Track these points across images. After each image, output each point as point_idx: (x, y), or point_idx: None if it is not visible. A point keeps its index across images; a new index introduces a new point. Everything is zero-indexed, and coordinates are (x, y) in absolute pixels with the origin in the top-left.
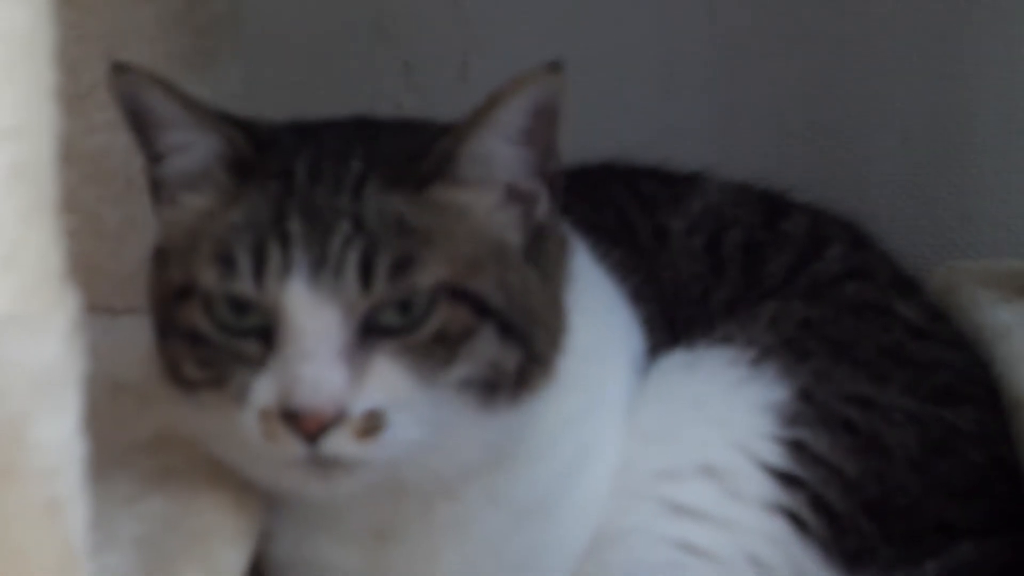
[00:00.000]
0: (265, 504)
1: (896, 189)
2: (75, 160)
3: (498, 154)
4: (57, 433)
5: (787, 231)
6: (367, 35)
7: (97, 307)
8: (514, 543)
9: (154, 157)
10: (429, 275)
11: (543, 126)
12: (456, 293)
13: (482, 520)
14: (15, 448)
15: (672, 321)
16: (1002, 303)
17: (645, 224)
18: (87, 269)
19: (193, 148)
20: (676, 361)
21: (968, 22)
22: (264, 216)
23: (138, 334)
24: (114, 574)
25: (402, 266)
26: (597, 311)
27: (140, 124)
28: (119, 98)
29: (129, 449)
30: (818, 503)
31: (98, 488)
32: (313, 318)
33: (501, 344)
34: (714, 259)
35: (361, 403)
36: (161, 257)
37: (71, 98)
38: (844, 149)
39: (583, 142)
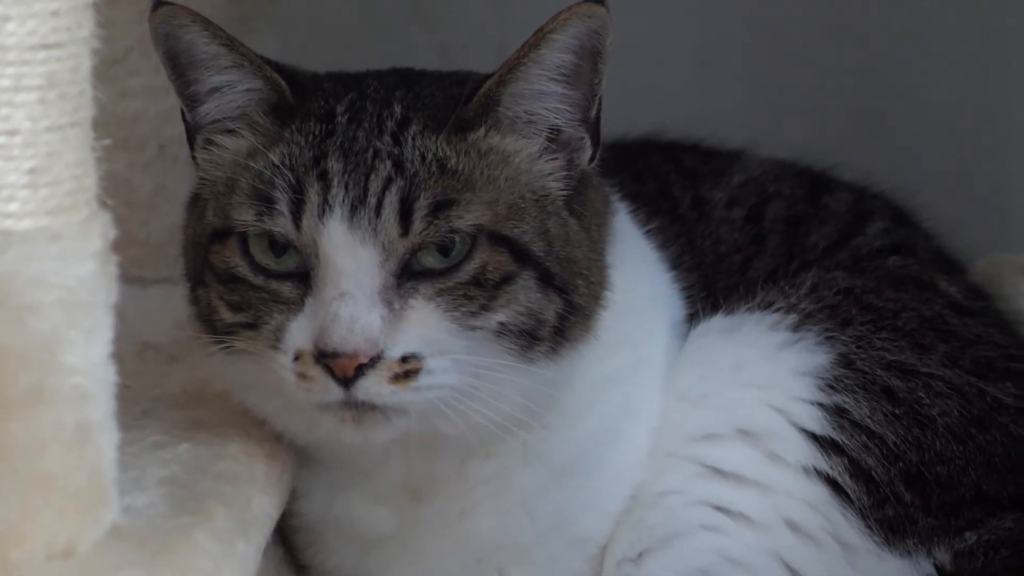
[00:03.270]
0: (296, 461)
1: (937, 182)
2: (107, 126)
3: (542, 95)
4: (89, 356)
5: (829, 205)
6: (404, 17)
7: (127, 277)
8: (550, 502)
9: (192, 99)
10: (469, 218)
11: (588, 66)
12: (496, 238)
13: (518, 478)
14: (47, 369)
15: (711, 290)
16: None
17: (685, 194)
18: (117, 238)
19: (233, 89)
20: (716, 325)
21: (1012, 16)
22: (304, 156)
23: (168, 303)
24: (142, 514)
25: (441, 208)
26: (639, 272)
27: (179, 64)
28: (158, 37)
29: (157, 402)
30: (857, 470)
31: (125, 436)
32: (351, 259)
33: (541, 292)
34: (755, 230)
35: (397, 346)
36: (197, 203)
37: (105, 63)
38: (884, 141)
39: (620, 124)
